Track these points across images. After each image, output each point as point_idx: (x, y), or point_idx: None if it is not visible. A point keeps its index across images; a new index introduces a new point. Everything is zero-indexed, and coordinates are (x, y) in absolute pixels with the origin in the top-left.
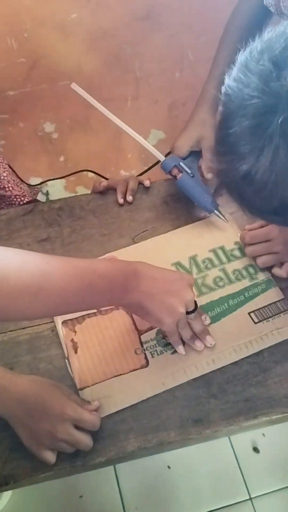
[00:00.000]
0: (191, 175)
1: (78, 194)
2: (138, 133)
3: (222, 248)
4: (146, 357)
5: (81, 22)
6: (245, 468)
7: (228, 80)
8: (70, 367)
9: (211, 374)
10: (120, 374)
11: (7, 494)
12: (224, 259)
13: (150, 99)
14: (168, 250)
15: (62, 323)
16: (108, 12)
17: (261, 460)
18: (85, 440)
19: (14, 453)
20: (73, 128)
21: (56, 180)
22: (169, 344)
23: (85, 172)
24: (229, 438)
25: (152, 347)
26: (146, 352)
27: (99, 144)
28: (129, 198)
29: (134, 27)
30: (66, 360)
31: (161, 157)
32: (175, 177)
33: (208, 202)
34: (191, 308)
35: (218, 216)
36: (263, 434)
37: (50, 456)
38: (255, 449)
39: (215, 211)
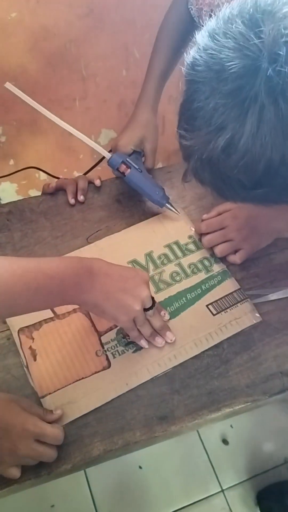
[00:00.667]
0: (139, 170)
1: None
2: (88, 133)
3: (176, 243)
4: (107, 358)
5: (21, 21)
6: (215, 461)
7: (195, 53)
8: (30, 376)
9: (173, 370)
10: (82, 378)
11: None
12: (179, 253)
13: (98, 99)
14: (124, 248)
15: (19, 331)
16: (48, 10)
17: (230, 452)
18: (49, 453)
19: None
20: (21, 131)
21: (7, 184)
22: (131, 343)
23: (36, 175)
24: (198, 432)
25: (113, 347)
26: (107, 353)
27: (49, 146)
28: (81, 198)
29: (77, 25)
30: (25, 369)
31: (107, 154)
32: (123, 173)
33: (159, 195)
34: (148, 305)
35: (170, 209)
36: (231, 426)
37: (14, 472)
38: (224, 441)
39: (167, 204)
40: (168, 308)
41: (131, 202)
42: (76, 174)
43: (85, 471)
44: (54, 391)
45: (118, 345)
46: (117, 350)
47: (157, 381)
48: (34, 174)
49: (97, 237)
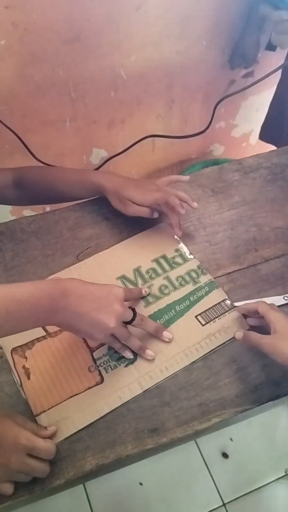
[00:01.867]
0: None
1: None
2: (80, 154)
3: (164, 256)
4: (100, 373)
5: (10, 48)
6: (216, 475)
7: None
8: (25, 394)
9: (164, 382)
10: (76, 394)
11: None
12: (167, 267)
13: (88, 119)
14: (112, 264)
15: (12, 350)
16: (36, 37)
17: (231, 465)
18: (41, 467)
19: None
20: (13, 153)
21: (1, 206)
22: (122, 357)
23: None
24: (198, 446)
25: (105, 362)
26: (100, 368)
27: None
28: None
29: (64, 50)
30: (19, 387)
31: None
32: None
33: None
34: (128, 319)
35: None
36: (231, 439)
37: (7, 488)
38: (224, 455)
39: None
40: (158, 321)
41: (120, 219)
42: None
43: (85, 488)
44: (49, 409)
45: (110, 360)
46: (110, 365)
47: (148, 394)
48: None
49: (87, 254)
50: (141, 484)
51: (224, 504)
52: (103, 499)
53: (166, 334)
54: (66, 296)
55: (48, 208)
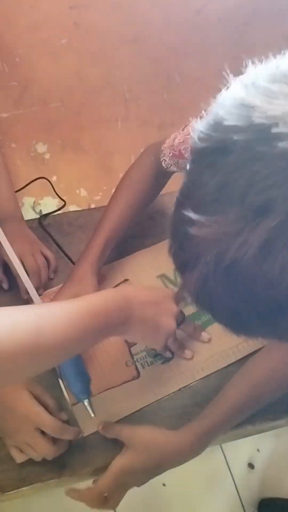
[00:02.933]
0: None
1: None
2: (128, 153)
3: None
4: (137, 368)
5: (70, 47)
6: (240, 484)
7: (223, 112)
8: (63, 383)
9: (197, 383)
10: (112, 387)
11: None
12: None
13: (139, 120)
14: (153, 263)
15: None
16: (96, 36)
17: (256, 476)
18: (45, 446)
19: (2, 464)
20: (65, 149)
21: (49, 199)
22: (159, 354)
23: (77, 191)
24: (224, 454)
25: (142, 358)
26: (137, 363)
27: (91, 164)
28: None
29: (122, 51)
30: (58, 375)
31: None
32: None
33: (79, 387)
34: (180, 319)
35: (86, 408)
36: (258, 450)
37: (15, 453)
38: (250, 465)
39: (85, 401)
40: (196, 321)
41: (164, 219)
42: None
43: None
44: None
45: (147, 356)
46: (146, 361)
47: (180, 393)
48: (75, 190)
49: (129, 251)
50: (164, 485)
51: None
52: (126, 496)
53: (204, 335)
54: (129, 305)
55: (93, 205)
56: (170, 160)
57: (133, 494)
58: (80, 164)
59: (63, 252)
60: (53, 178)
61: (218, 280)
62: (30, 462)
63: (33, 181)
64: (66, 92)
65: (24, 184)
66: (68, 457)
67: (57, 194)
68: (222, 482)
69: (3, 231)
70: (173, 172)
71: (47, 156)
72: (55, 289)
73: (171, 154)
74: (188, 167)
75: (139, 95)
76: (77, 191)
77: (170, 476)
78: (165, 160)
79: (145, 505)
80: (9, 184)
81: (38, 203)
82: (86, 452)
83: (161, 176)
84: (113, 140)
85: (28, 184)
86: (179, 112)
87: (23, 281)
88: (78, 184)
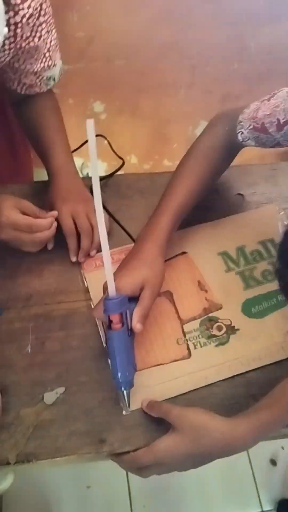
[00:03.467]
0: (129, 333)
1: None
2: (186, 124)
3: (271, 240)
4: (188, 348)
5: (144, 2)
6: (260, 479)
7: None
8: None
9: (253, 373)
10: (161, 364)
11: (11, 477)
12: (274, 252)
13: (203, 89)
14: (215, 238)
15: None
16: None
17: (277, 473)
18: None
19: (38, 431)
20: (122, 111)
21: (98, 163)
22: (214, 336)
23: (128, 157)
24: None
25: (195, 338)
26: (189, 342)
27: (146, 131)
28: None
29: (197, 10)
30: (104, 344)
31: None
32: (109, 326)
33: (126, 378)
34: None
35: (123, 399)
36: (282, 447)
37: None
38: (272, 461)
39: (124, 392)
40: (256, 306)
41: (229, 193)
42: (167, 163)
43: None
44: None
45: (200, 336)
46: (199, 341)
47: (233, 381)
48: (125, 156)
49: (189, 223)
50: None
51: (262, 511)
52: (142, 480)
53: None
54: None
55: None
56: (249, 134)
57: (149, 480)
58: (135, 129)
59: (114, 218)
60: (105, 142)
61: None
62: (68, 434)
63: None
64: (132, 50)
65: (75, 142)
66: (108, 433)
67: (116, 153)
68: (241, 475)
69: (56, 184)
70: (247, 146)
71: (102, 116)
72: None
73: (251, 127)
74: None
75: (208, 61)
76: (128, 157)
77: None
78: (242, 133)
79: (160, 487)
80: (65, 138)
81: (86, 165)
82: (126, 430)
83: (234, 149)
84: (173, 107)
85: (84, 143)
86: (248, 84)
87: (103, 252)
88: (129, 150)
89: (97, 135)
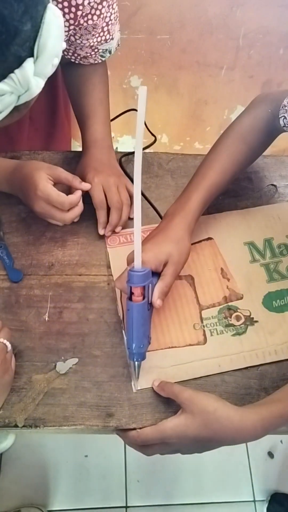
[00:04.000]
0: (148, 307)
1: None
2: (223, 107)
3: None
4: (204, 334)
5: None
6: (255, 470)
7: None
8: (125, 329)
9: (267, 367)
10: (175, 347)
11: (11, 438)
12: None
13: (245, 73)
14: (244, 228)
15: None
16: None
17: (273, 466)
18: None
19: (48, 398)
20: (159, 88)
21: (127, 138)
22: (231, 325)
23: (159, 136)
24: None
25: (212, 324)
26: (205, 328)
27: (180, 110)
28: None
29: None
30: (121, 320)
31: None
32: (130, 298)
33: (139, 349)
34: None
35: (134, 369)
36: (281, 441)
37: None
38: (270, 454)
39: (136, 363)
40: (278, 300)
41: (262, 183)
42: (197, 145)
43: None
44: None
45: (218, 323)
46: (216, 329)
47: (247, 372)
48: (157, 135)
49: (218, 209)
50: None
51: (254, 501)
52: (139, 455)
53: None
54: None
55: None
56: None
57: (145, 457)
58: (170, 107)
59: (144, 196)
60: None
61: None
62: (77, 404)
63: (124, 112)
64: (177, 26)
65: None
66: (117, 409)
67: (149, 130)
68: (237, 463)
69: (90, 154)
70: (286, 131)
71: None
72: (131, 230)
73: None
74: None
75: (253, 44)
76: (159, 136)
77: None
78: (285, 118)
79: (156, 464)
80: (107, 110)
81: (116, 140)
82: (135, 407)
83: (274, 133)
84: (211, 88)
85: (120, 115)
86: None
87: (135, 224)
88: (161, 129)
89: (131, 109)
